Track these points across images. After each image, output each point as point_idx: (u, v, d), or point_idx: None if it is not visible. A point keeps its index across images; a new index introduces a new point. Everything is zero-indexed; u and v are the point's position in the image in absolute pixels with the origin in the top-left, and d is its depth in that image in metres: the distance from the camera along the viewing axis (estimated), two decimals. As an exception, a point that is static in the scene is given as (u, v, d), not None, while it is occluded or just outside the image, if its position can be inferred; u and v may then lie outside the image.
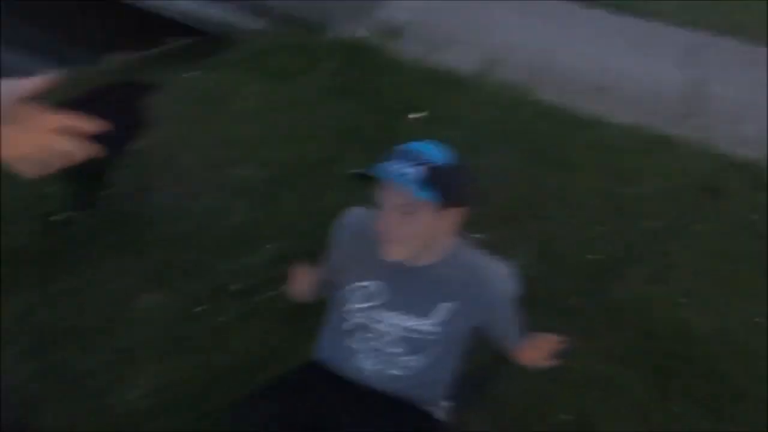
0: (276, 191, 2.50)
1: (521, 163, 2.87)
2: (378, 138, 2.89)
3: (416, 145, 1.23)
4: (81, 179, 2.26)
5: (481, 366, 1.54)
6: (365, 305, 1.35)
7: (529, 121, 3.27)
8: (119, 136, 2.40)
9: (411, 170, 1.18)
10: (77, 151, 0.74)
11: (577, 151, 3.02)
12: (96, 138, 2.12)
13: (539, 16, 5.13)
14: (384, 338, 1.34)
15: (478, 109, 3.32)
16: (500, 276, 1.35)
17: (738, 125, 3.72)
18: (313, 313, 1.81)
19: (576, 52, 4.41)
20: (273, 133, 2.90)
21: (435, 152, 1.22)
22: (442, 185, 1.19)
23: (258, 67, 3.56)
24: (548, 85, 3.83)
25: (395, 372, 1.36)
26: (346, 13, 4.40)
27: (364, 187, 1.24)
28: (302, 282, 1.92)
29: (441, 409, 1.45)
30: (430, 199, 1.18)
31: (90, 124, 0.75)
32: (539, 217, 2.54)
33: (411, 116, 3.19)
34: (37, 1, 5.29)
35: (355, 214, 1.43)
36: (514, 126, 3.18)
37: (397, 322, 1.33)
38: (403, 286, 1.32)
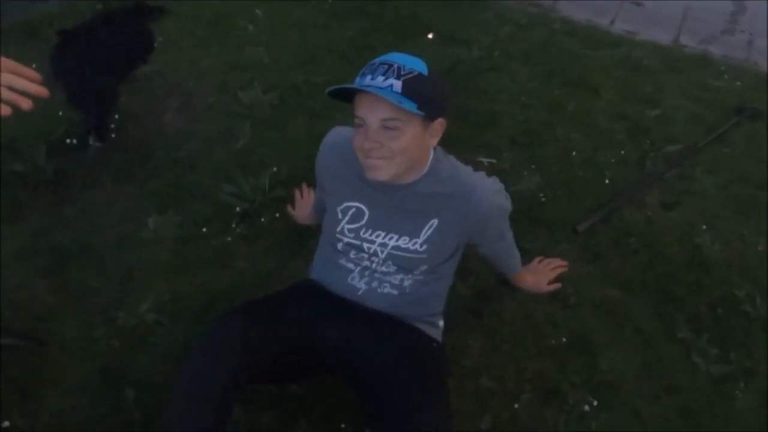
0: (282, 114, 2.46)
1: (537, 83, 2.74)
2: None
3: (393, 57, 1.18)
4: (90, 104, 2.28)
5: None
6: (355, 225, 1.34)
7: (548, 39, 3.09)
8: (126, 60, 2.39)
9: (393, 81, 1.13)
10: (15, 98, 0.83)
11: (599, 71, 2.85)
12: (104, 62, 2.09)
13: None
14: (375, 257, 1.35)
15: (496, 28, 3.15)
16: (488, 189, 1.32)
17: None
18: (314, 236, 1.83)
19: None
20: (280, 55, 2.82)
21: (412, 63, 1.17)
22: (424, 95, 1.15)
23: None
24: (573, 1, 3.59)
25: (387, 290, 1.37)
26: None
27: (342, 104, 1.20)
28: (304, 204, 1.94)
29: (435, 327, 1.46)
30: (414, 109, 1.13)
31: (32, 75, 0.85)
32: (554, 141, 2.44)
33: (429, 36, 3.05)
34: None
35: (339, 134, 1.40)
36: (532, 45, 3.01)
37: (386, 241, 1.32)
38: (390, 206, 1.31)
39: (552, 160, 2.33)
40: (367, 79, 1.15)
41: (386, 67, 1.15)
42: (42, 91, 0.87)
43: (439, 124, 1.23)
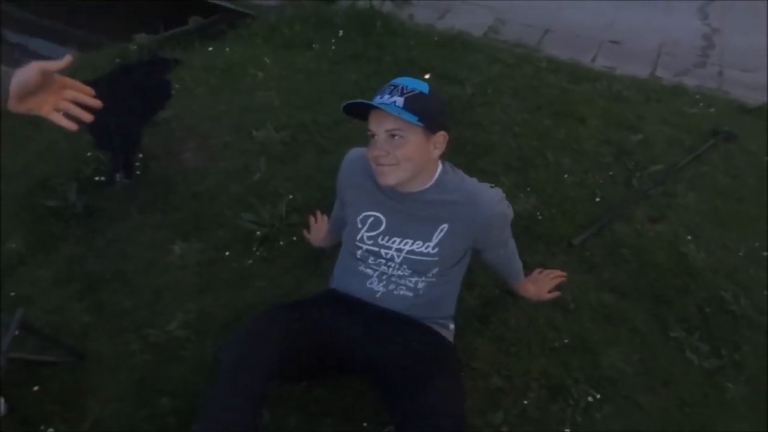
0: (294, 150, 2.66)
1: (528, 115, 2.96)
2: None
3: (398, 80, 1.38)
4: (117, 146, 2.47)
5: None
6: (373, 233, 1.50)
7: (535, 76, 3.34)
8: (146, 106, 2.60)
9: (397, 98, 1.33)
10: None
11: (583, 102, 3.09)
12: (127, 109, 2.36)
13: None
14: (391, 262, 1.50)
15: (487, 67, 3.41)
16: (490, 197, 1.48)
17: (749, 73, 3.73)
18: (328, 257, 1.99)
19: (584, 8, 4.44)
20: (290, 98, 3.05)
21: (414, 83, 1.37)
22: (424, 109, 1.34)
23: (275, 39, 3.71)
24: (557, 42, 3.91)
25: (403, 292, 1.52)
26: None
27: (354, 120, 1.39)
28: (318, 229, 2.10)
29: (447, 330, 1.60)
30: (414, 120, 1.32)
31: (87, 90, 1.02)
32: (546, 165, 2.63)
33: (426, 76, 3.29)
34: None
35: (357, 152, 1.58)
36: (521, 81, 3.26)
37: (402, 246, 1.48)
38: (404, 213, 1.47)
39: (546, 183, 2.52)
40: (377, 99, 1.35)
41: (392, 87, 1.36)
42: (97, 103, 1.02)
43: (442, 136, 1.40)
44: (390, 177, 1.38)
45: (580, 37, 4.01)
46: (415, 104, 1.32)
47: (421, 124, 1.33)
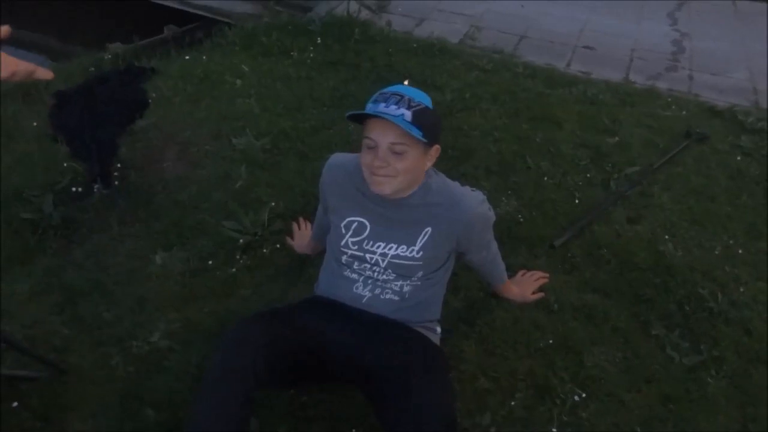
0: (275, 157, 2.65)
1: (506, 120, 3.00)
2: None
3: (402, 89, 1.37)
4: (93, 155, 2.43)
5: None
6: (358, 238, 1.50)
7: (512, 81, 3.39)
8: (123, 115, 2.56)
9: (405, 111, 1.31)
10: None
11: (560, 106, 3.14)
12: (102, 118, 2.35)
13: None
14: (376, 266, 1.50)
15: (465, 73, 3.45)
16: (472, 198, 1.50)
17: (720, 76, 3.85)
18: (313, 264, 1.98)
19: (560, 15, 4.54)
20: (270, 105, 3.04)
21: (420, 96, 1.37)
22: (427, 125, 1.34)
23: (252, 47, 3.70)
24: (532, 48, 3.98)
25: (389, 296, 1.52)
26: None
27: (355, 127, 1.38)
28: (301, 235, 2.09)
29: (434, 333, 1.61)
30: (420, 136, 1.32)
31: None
32: (526, 168, 2.67)
33: (405, 82, 3.31)
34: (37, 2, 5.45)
35: (339, 157, 1.58)
36: (498, 87, 3.31)
37: (386, 251, 1.48)
38: (388, 218, 1.47)
39: (526, 186, 2.55)
40: (381, 107, 1.33)
41: (398, 97, 1.33)
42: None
43: (435, 150, 1.42)
44: (386, 187, 1.38)
45: (554, 44, 4.08)
46: (421, 119, 1.32)
47: (425, 140, 1.33)
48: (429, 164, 1.44)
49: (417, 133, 1.31)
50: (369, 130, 1.35)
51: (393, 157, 1.34)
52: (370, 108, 1.34)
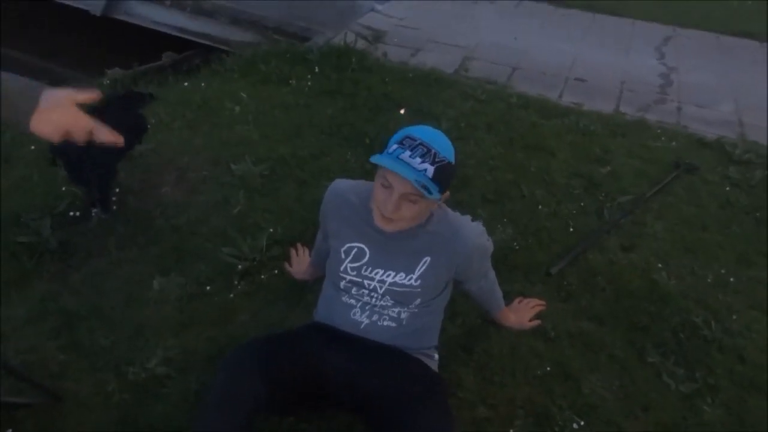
0: (273, 183, 2.67)
1: (501, 149, 3.06)
2: (365, 133, 3.08)
3: (433, 140, 1.31)
4: (92, 180, 2.44)
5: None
6: (357, 264, 1.52)
7: (506, 111, 3.46)
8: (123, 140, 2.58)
9: (428, 167, 1.29)
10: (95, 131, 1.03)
11: (553, 136, 3.21)
12: (100, 145, 2.36)
13: (515, 17, 5.39)
14: (374, 293, 1.51)
15: (460, 102, 3.52)
16: (472, 230, 1.52)
17: (707, 108, 3.96)
18: (311, 290, 1.99)
19: (551, 48, 4.66)
20: (268, 132, 3.07)
21: (446, 150, 1.33)
22: (446, 180, 1.33)
23: (251, 74, 3.75)
24: (525, 79, 4.07)
25: (386, 323, 1.53)
26: (332, 20, 4.62)
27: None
28: (300, 261, 2.10)
29: (432, 360, 1.61)
30: (438, 195, 1.32)
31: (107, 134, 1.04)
32: (521, 197, 2.71)
33: (401, 111, 3.38)
34: (37, 27, 5.52)
35: (341, 183, 1.60)
36: (493, 117, 3.38)
37: (384, 278, 1.50)
38: (388, 246, 1.49)
39: (521, 214, 2.59)
40: (407, 155, 1.30)
41: (425, 149, 1.30)
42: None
43: (445, 196, 1.41)
44: (392, 227, 1.39)
45: (546, 75, 4.19)
46: (441, 175, 1.30)
47: (439, 196, 1.33)
48: (435, 207, 1.45)
49: (434, 192, 1.29)
50: (387, 172, 1.32)
51: (405, 204, 1.34)
52: (394, 150, 1.32)
